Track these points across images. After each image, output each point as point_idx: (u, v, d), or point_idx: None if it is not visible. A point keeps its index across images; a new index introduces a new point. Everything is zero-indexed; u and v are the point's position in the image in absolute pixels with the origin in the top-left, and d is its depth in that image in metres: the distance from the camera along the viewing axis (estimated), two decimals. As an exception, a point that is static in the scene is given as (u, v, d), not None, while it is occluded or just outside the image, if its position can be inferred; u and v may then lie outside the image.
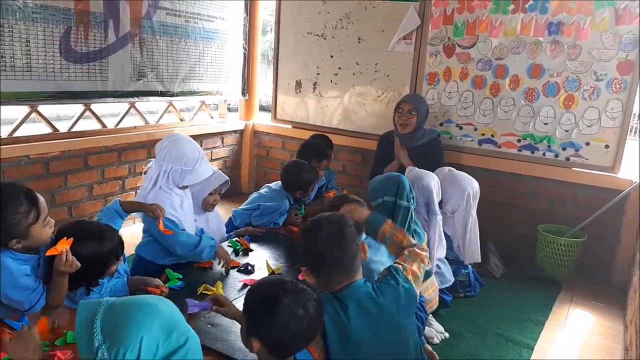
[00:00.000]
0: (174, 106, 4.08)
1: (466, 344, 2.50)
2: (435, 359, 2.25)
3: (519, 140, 3.54)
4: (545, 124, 3.44)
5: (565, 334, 2.69)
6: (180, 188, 2.43)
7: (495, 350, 2.48)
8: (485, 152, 3.65)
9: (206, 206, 2.66)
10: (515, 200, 3.62)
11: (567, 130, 3.38)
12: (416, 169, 2.87)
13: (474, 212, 2.97)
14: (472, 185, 2.97)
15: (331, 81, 4.23)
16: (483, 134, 3.65)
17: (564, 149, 3.41)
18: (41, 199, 1.76)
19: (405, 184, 2.36)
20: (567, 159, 3.40)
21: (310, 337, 1.41)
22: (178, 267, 2.37)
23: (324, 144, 3.59)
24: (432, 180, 2.71)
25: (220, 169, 4.43)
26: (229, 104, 4.76)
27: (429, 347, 2.27)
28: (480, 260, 3.02)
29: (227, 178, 2.67)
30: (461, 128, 3.72)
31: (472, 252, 2.96)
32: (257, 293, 1.39)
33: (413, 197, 2.39)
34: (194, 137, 4.16)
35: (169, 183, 2.39)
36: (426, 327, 2.41)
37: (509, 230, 3.59)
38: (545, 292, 3.14)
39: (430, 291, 2.44)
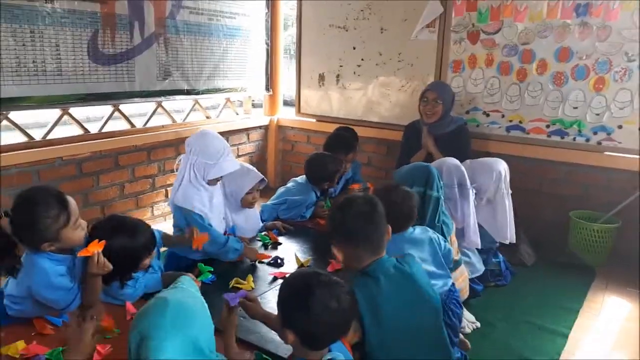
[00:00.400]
0: (199, 104, 4.14)
1: (498, 333, 2.47)
2: (468, 348, 2.25)
3: (547, 126, 3.47)
4: (575, 108, 3.36)
5: (601, 322, 2.64)
6: (208, 183, 2.46)
7: (529, 339, 2.44)
8: (514, 138, 3.59)
9: (246, 204, 2.71)
10: (545, 186, 3.56)
11: (598, 114, 3.30)
12: (442, 158, 2.86)
13: (504, 194, 2.92)
14: (501, 165, 2.91)
15: (354, 73, 4.22)
16: (511, 121, 3.59)
17: (595, 133, 3.33)
18: (72, 201, 1.79)
19: (434, 174, 2.37)
20: (599, 143, 3.32)
21: (343, 329, 1.42)
22: (209, 262, 2.42)
23: (350, 136, 3.60)
24: (456, 160, 2.71)
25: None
26: (253, 100, 4.79)
27: (461, 336, 2.27)
28: (514, 241, 2.97)
29: (263, 177, 2.72)
30: (488, 115, 3.67)
31: (513, 232, 2.95)
32: (291, 286, 1.42)
33: (442, 187, 2.38)
34: (220, 133, 4.23)
35: (198, 178, 2.43)
36: None
37: (539, 218, 3.53)
38: (578, 279, 3.08)
39: (460, 280, 2.42)
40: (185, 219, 2.39)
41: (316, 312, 1.33)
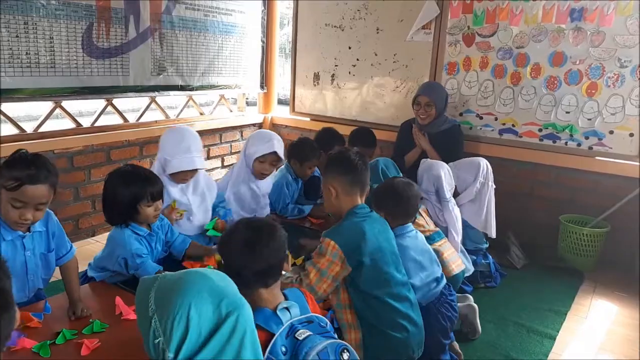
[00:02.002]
0: (193, 100, 4.13)
1: (487, 334, 2.49)
2: (460, 357, 2.25)
3: (540, 130, 3.50)
4: (568, 112, 3.38)
5: (588, 325, 2.67)
6: (174, 181, 2.39)
7: (517, 340, 2.47)
8: (506, 142, 3.61)
9: (255, 172, 2.74)
10: (536, 190, 3.58)
11: (590, 119, 3.32)
12: (428, 160, 2.88)
13: (487, 190, 2.99)
14: (482, 160, 3.01)
15: (349, 73, 4.23)
16: (504, 124, 3.61)
17: (586, 137, 3.35)
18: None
19: (384, 168, 2.64)
20: (590, 147, 3.35)
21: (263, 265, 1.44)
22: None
23: (329, 136, 3.55)
24: (442, 168, 2.75)
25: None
26: (247, 98, 4.79)
27: (457, 346, 2.27)
28: (495, 236, 3.02)
29: (276, 151, 2.70)
30: (481, 118, 3.69)
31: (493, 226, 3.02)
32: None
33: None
34: (214, 130, 4.25)
35: (162, 175, 2.38)
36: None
37: (530, 221, 3.56)
38: (567, 282, 3.11)
39: (446, 255, 2.44)
40: None
41: (238, 248, 1.42)
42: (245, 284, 1.36)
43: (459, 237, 2.71)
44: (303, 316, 1.43)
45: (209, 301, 1.09)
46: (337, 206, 1.96)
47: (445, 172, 2.72)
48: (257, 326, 1.33)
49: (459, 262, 2.49)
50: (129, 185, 1.95)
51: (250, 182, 2.78)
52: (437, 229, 2.53)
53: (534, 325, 2.59)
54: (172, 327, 1.06)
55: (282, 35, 6.22)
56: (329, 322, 1.49)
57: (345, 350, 1.42)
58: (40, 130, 3.15)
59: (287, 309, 1.40)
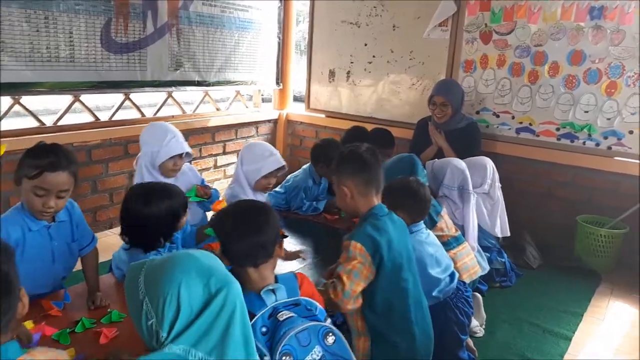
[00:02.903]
0: (210, 96, 4.15)
1: (502, 334, 2.48)
2: (475, 354, 2.24)
3: (558, 129, 3.46)
4: (586, 112, 3.34)
5: (605, 327, 2.64)
6: (163, 174, 2.44)
7: (532, 340, 2.45)
8: (523, 140, 3.58)
9: (259, 187, 2.64)
10: (553, 190, 3.55)
11: (609, 118, 3.28)
12: (436, 160, 2.87)
13: (497, 190, 3.00)
14: (487, 161, 2.99)
15: (365, 69, 4.22)
16: (521, 123, 3.58)
17: (605, 137, 3.31)
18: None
19: (418, 162, 2.49)
20: (609, 147, 3.31)
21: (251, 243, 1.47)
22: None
23: (361, 135, 3.56)
24: (462, 163, 2.73)
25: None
26: (262, 95, 4.80)
27: (471, 343, 2.26)
28: (501, 235, 3.00)
29: (284, 163, 2.66)
30: (498, 116, 3.66)
31: (506, 226, 3.01)
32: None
33: (425, 175, 2.50)
34: (230, 126, 4.27)
35: (150, 170, 2.43)
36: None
37: (546, 221, 3.52)
38: (584, 283, 3.08)
39: (467, 259, 2.42)
40: None
41: (230, 228, 1.45)
42: (235, 261, 1.43)
43: (474, 242, 2.69)
44: (289, 299, 1.43)
45: (198, 279, 1.11)
46: (353, 207, 1.88)
47: (466, 166, 2.72)
48: None
49: (471, 272, 2.45)
50: (164, 202, 1.82)
51: (249, 193, 2.66)
52: (457, 233, 2.49)
53: (550, 326, 2.57)
54: (163, 307, 1.08)
55: (297, 32, 6.23)
56: (319, 307, 1.48)
57: (330, 334, 1.42)
58: (59, 123, 3.19)
59: (272, 291, 1.42)
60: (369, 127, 3.91)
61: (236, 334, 1.13)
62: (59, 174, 1.69)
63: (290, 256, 2.31)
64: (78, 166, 1.82)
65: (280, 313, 1.37)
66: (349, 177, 1.85)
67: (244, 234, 1.44)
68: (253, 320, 1.34)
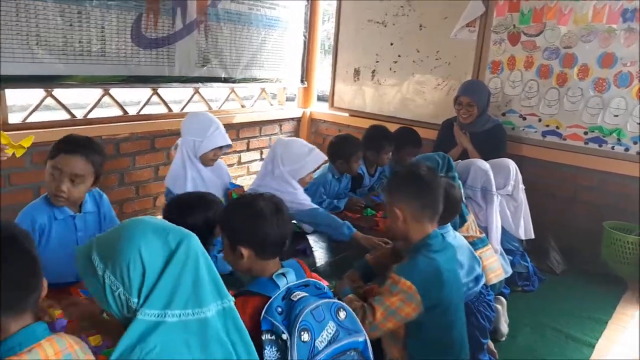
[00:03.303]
0: (235, 93, 4.19)
1: (523, 338, 2.45)
2: (495, 356, 2.23)
3: (585, 133, 3.40)
4: (616, 116, 3.28)
5: (630, 335, 2.59)
6: (203, 164, 2.55)
7: (554, 346, 2.42)
8: (549, 144, 3.52)
9: (303, 184, 2.66)
10: (579, 194, 3.49)
11: (639, 123, 3.21)
12: (460, 161, 2.85)
13: (521, 192, 2.96)
14: (510, 162, 2.95)
15: (390, 69, 4.21)
16: (547, 125, 3.53)
17: (635, 142, 3.24)
18: None
19: (451, 161, 2.42)
20: (639, 153, 3.24)
21: (286, 232, 1.56)
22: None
23: (380, 135, 3.55)
24: (486, 164, 2.70)
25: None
26: (286, 93, 4.82)
27: (492, 345, 2.25)
28: (524, 237, 2.96)
29: (326, 157, 2.67)
30: (524, 119, 3.61)
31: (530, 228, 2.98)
32: (235, 206, 1.62)
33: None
34: (254, 123, 4.30)
35: (191, 157, 2.53)
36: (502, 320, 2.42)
37: (571, 226, 3.46)
38: (609, 290, 3.02)
39: (491, 260, 2.40)
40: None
41: (264, 216, 1.50)
42: (269, 252, 1.51)
43: (497, 244, 2.66)
44: (300, 280, 1.50)
45: (156, 238, 1.12)
46: (404, 232, 1.75)
47: (489, 167, 2.69)
48: (255, 293, 1.45)
49: (498, 272, 2.44)
50: (201, 213, 1.83)
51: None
52: (482, 234, 2.47)
53: (573, 332, 2.53)
54: (128, 273, 1.09)
55: (322, 32, 6.24)
56: (325, 286, 1.54)
57: (341, 309, 1.47)
58: (89, 117, 3.26)
59: (283, 274, 1.48)
60: (393, 126, 3.90)
61: (205, 280, 1.14)
62: (75, 157, 1.75)
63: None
64: (103, 157, 1.86)
65: (294, 294, 1.43)
66: (403, 200, 1.73)
67: (282, 225, 1.52)
68: (269, 302, 1.40)
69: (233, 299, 1.21)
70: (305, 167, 2.56)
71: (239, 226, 1.53)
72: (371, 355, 1.49)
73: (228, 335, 1.17)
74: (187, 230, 1.19)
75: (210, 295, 1.15)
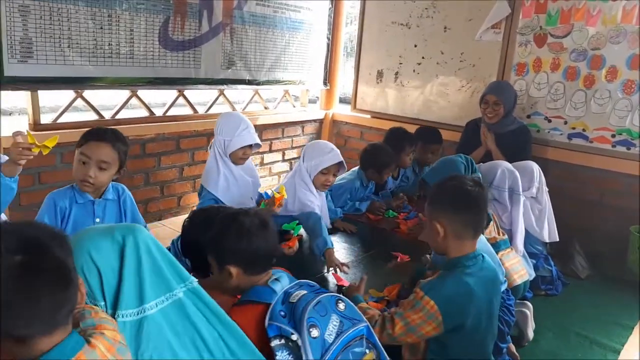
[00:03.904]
0: (259, 95, 4.23)
1: (546, 343, 2.42)
2: (517, 358, 2.21)
3: (613, 136, 3.34)
4: (645, 118, 3.22)
5: (658, 341, 2.53)
6: (233, 162, 2.62)
7: (578, 351, 2.37)
8: (576, 147, 3.47)
9: (317, 184, 2.69)
10: (605, 198, 3.43)
11: (669, 126, 3.15)
12: (482, 164, 2.83)
13: (545, 195, 2.92)
14: (534, 165, 2.91)
15: (414, 71, 4.20)
16: (574, 128, 3.48)
17: (664, 146, 3.18)
18: None
19: (474, 163, 2.41)
20: (668, 156, 3.17)
21: (274, 245, 1.58)
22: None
23: (400, 136, 3.56)
24: (510, 165, 2.68)
25: (299, 157, 4.57)
26: (309, 96, 4.85)
27: (513, 348, 2.23)
28: (557, 239, 2.93)
29: (342, 160, 2.68)
30: (550, 121, 3.57)
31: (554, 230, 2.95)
32: (221, 226, 1.55)
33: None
34: (277, 124, 4.35)
35: (222, 155, 2.61)
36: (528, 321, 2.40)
37: (597, 230, 3.40)
38: (635, 295, 2.96)
39: (514, 261, 2.38)
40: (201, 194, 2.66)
41: (251, 233, 1.49)
42: (260, 265, 1.52)
43: (522, 245, 2.64)
44: (293, 283, 1.53)
45: (102, 238, 1.14)
46: (443, 247, 1.68)
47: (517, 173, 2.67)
48: (254, 302, 1.44)
49: (522, 273, 2.41)
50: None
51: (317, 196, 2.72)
52: (505, 236, 2.46)
53: (598, 337, 2.48)
54: (86, 278, 1.10)
55: (345, 34, 6.27)
56: (316, 284, 1.57)
57: (340, 301, 1.48)
58: (117, 117, 3.34)
59: (277, 279, 1.50)
60: (414, 128, 3.90)
61: (164, 266, 1.17)
62: (102, 144, 1.86)
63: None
64: (128, 149, 1.96)
65: (293, 295, 1.45)
66: (445, 214, 1.64)
67: (270, 240, 1.54)
68: (270, 308, 1.40)
69: (195, 279, 1.24)
70: (320, 163, 2.62)
71: (227, 245, 1.51)
72: (376, 339, 1.50)
73: (202, 312, 1.22)
74: (133, 224, 1.21)
75: (174, 279, 1.18)
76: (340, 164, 2.70)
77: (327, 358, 1.34)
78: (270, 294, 1.45)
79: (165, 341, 1.13)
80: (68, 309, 0.99)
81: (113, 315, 1.11)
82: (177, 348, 1.14)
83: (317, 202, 2.64)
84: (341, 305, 1.47)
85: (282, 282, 1.49)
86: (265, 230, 1.54)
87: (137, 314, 1.11)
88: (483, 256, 1.71)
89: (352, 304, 1.53)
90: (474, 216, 1.65)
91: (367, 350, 1.45)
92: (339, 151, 2.70)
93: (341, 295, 1.52)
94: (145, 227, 2.03)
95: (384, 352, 1.50)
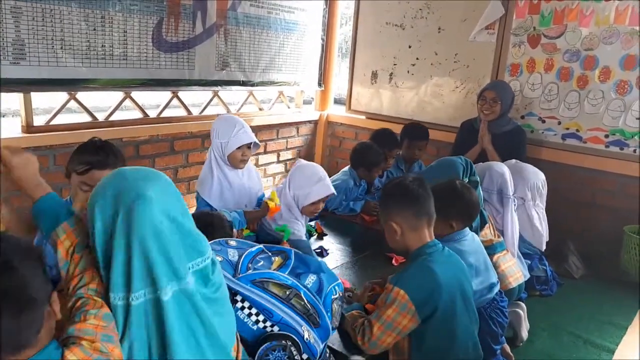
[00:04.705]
0: (254, 96, 4.23)
1: (541, 343, 2.43)
2: (511, 357, 2.22)
3: (606, 136, 3.36)
4: (638, 118, 3.23)
5: (651, 341, 2.54)
6: (232, 166, 2.59)
7: (572, 351, 2.39)
8: (569, 147, 3.49)
9: (306, 212, 2.53)
10: (599, 198, 3.44)
11: (662, 126, 3.17)
12: (480, 163, 2.83)
13: (542, 204, 2.89)
14: (538, 176, 2.88)
15: (408, 72, 4.21)
16: (567, 128, 3.49)
17: (657, 146, 3.20)
18: None
19: (471, 164, 2.41)
20: (661, 156, 3.19)
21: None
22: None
23: (396, 134, 3.57)
24: (503, 167, 2.68)
25: (294, 158, 4.56)
26: (303, 97, 4.85)
27: (507, 349, 2.24)
28: (543, 246, 2.92)
29: (334, 192, 2.50)
30: (544, 121, 3.58)
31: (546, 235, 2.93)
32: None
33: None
34: (271, 126, 4.34)
35: (218, 160, 2.58)
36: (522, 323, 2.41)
37: (591, 230, 3.42)
38: (629, 295, 2.97)
39: (510, 264, 2.38)
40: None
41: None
42: None
43: (514, 248, 2.64)
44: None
45: (109, 201, 1.15)
46: (403, 244, 1.77)
47: (506, 171, 2.67)
48: None
49: (517, 275, 2.41)
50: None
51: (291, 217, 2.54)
52: (500, 238, 2.46)
53: (592, 337, 2.50)
54: (94, 226, 1.17)
55: (340, 35, 6.27)
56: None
57: (229, 241, 1.79)
58: (110, 119, 3.33)
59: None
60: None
61: (158, 259, 1.13)
62: (106, 172, 1.75)
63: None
64: (125, 162, 1.90)
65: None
66: (398, 212, 1.76)
67: None
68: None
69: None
70: (308, 196, 2.43)
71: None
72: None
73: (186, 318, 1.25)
74: (134, 195, 1.14)
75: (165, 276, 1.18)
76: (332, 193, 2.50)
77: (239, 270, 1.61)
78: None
79: (140, 335, 1.13)
80: (34, 330, 0.96)
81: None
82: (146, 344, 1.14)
83: (304, 230, 2.53)
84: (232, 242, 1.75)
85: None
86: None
87: (122, 299, 1.13)
88: (443, 246, 1.79)
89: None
90: (422, 205, 1.76)
91: (275, 258, 1.75)
92: (328, 178, 2.50)
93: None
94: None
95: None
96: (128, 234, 1.10)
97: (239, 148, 2.56)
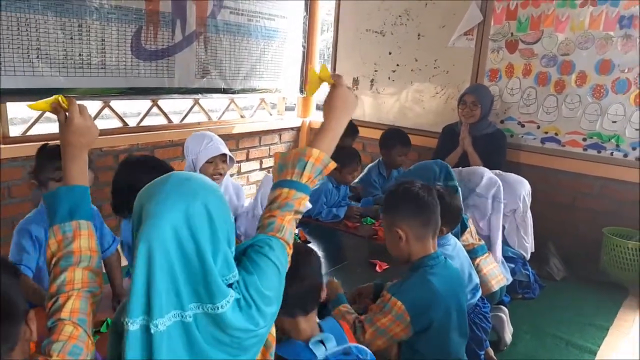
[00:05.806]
0: (235, 103, 4.21)
1: (523, 345, 2.45)
2: (494, 362, 2.23)
3: (584, 139, 3.41)
4: (614, 122, 3.29)
5: (632, 341, 2.58)
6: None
7: (555, 353, 2.41)
8: (548, 150, 3.53)
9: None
10: (578, 201, 3.49)
11: (637, 129, 3.22)
12: (462, 168, 2.83)
13: (529, 214, 2.90)
14: (525, 187, 2.88)
15: (389, 78, 4.23)
16: (546, 132, 3.54)
17: (634, 148, 3.25)
18: None
19: (450, 169, 2.36)
20: (638, 159, 3.24)
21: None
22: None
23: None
24: (491, 173, 2.68)
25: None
26: (285, 103, 4.85)
27: (491, 352, 2.24)
28: (528, 255, 2.93)
29: (223, 152, 2.46)
30: (523, 126, 3.62)
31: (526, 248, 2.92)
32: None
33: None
34: (253, 133, 4.33)
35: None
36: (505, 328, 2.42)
37: (571, 232, 3.47)
38: (610, 296, 3.02)
39: (491, 267, 2.38)
40: None
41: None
42: (287, 309, 1.25)
43: (499, 253, 2.65)
44: (339, 347, 1.33)
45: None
46: (406, 252, 1.71)
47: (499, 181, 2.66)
48: None
49: (499, 278, 2.41)
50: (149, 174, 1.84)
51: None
52: (481, 242, 2.46)
53: (574, 339, 2.52)
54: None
55: (321, 41, 6.28)
56: (369, 353, 1.41)
57: None
58: (90, 128, 3.28)
59: (321, 342, 1.32)
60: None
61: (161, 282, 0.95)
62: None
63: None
64: (94, 167, 1.88)
65: None
66: (404, 219, 1.69)
67: (297, 277, 1.28)
68: None
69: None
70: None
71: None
72: None
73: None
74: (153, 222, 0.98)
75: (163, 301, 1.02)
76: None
77: None
78: (308, 357, 1.28)
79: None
80: (9, 346, 0.91)
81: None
82: None
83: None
84: None
85: (327, 345, 1.31)
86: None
87: (141, 325, 0.96)
88: (445, 258, 1.76)
89: None
90: (431, 215, 1.70)
91: None
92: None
93: None
94: (115, 240, 2.00)
95: None
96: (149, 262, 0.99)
97: (209, 162, 2.48)
